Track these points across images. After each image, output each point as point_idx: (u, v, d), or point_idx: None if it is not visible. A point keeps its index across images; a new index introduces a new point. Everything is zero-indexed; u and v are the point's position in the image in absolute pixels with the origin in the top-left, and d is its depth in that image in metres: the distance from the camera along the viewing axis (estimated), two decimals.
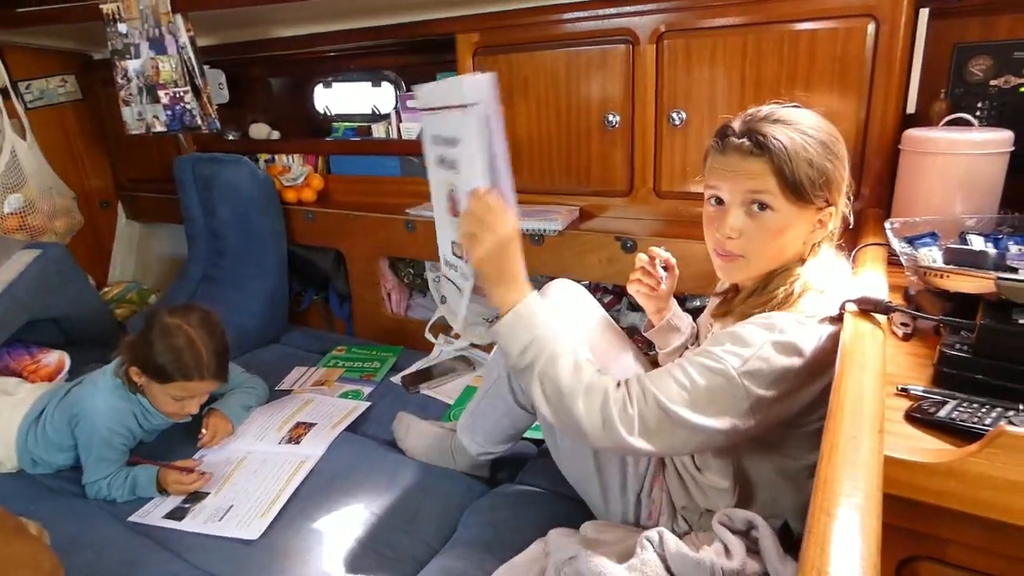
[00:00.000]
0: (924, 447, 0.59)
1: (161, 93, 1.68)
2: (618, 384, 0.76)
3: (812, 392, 0.75)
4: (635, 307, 1.68)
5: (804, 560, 0.44)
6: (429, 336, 1.76)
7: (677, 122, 1.31)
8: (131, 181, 2.23)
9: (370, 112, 1.99)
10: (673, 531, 0.88)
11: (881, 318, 0.74)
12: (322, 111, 2.08)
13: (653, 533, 0.80)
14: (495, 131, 0.78)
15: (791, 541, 0.78)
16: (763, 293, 0.82)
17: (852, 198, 0.85)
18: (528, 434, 1.21)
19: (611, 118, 1.38)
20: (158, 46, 1.63)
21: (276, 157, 1.95)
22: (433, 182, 0.92)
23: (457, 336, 1.69)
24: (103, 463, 1.20)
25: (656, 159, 1.37)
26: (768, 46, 1.19)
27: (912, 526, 0.61)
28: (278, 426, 1.37)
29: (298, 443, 1.30)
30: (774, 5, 1.17)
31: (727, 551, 0.76)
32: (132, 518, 1.14)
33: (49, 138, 1.97)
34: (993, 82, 1.10)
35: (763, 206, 0.79)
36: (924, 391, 0.66)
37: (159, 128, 1.72)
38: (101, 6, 1.62)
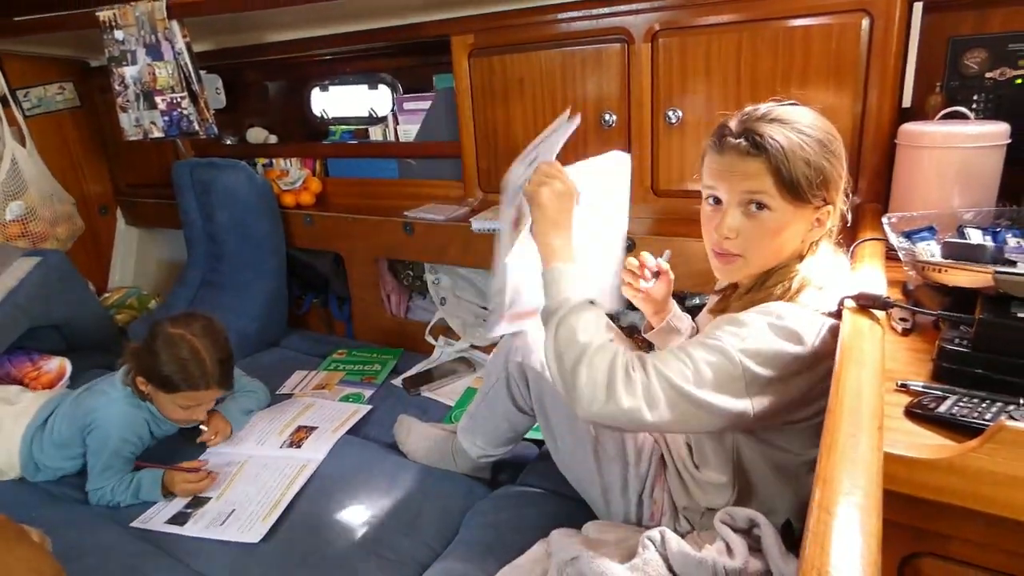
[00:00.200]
0: (924, 443, 0.59)
1: (158, 99, 1.68)
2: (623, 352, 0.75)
3: (809, 380, 0.75)
4: (634, 306, 1.68)
5: (804, 559, 0.44)
6: (429, 338, 1.76)
7: (673, 120, 1.31)
8: (130, 187, 2.23)
9: (367, 115, 1.99)
10: (675, 531, 0.88)
11: (880, 314, 0.74)
12: (319, 114, 2.09)
13: (655, 533, 0.80)
14: None
15: (793, 539, 0.78)
16: (761, 289, 0.82)
17: (850, 195, 0.85)
18: (529, 435, 1.21)
19: (607, 117, 1.38)
20: (155, 52, 1.63)
21: (274, 161, 1.95)
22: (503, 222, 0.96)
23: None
24: (109, 471, 1.21)
25: (653, 158, 1.37)
26: (763, 43, 1.18)
27: (914, 522, 0.61)
28: (279, 430, 1.37)
29: (299, 447, 1.30)
30: (768, 2, 1.17)
31: (729, 550, 0.75)
32: (134, 524, 1.14)
33: (48, 145, 1.97)
34: (988, 75, 1.10)
35: (760, 206, 0.79)
36: (924, 386, 0.66)
37: (157, 134, 1.72)
38: (98, 14, 1.63)
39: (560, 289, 0.79)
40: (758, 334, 0.73)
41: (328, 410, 1.44)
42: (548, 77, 1.42)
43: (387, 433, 1.34)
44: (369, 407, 1.46)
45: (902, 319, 0.79)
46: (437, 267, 1.79)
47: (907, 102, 1.17)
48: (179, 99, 1.66)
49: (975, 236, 0.86)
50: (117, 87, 1.70)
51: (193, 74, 1.62)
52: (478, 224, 1.47)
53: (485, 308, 1.80)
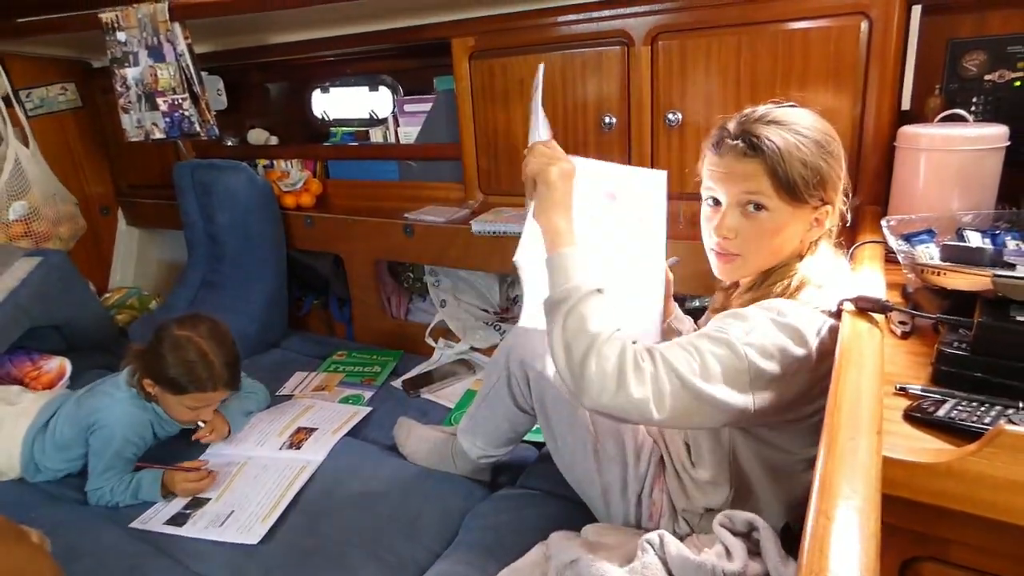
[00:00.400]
0: (923, 447, 0.59)
1: (160, 100, 1.68)
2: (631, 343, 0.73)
3: (810, 378, 0.75)
4: None
5: (803, 564, 0.44)
6: (429, 340, 1.76)
7: (673, 123, 1.31)
8: (131, 187, 2.24)
9: (368, 117, 1.99)
10: (674, 533, 0.88)
11: (879, 317, 0.74)
12: (320, 116, 2.09)
13: (654, 536, 0.80)
14: None
15: (792, 542, 0.78)
16: (761, 288, 0.83)
17: (849, 196, 0.85)
18: (528, 437, 1.21)
19: (607, 120, 1.38)
20: (156, 54, 1.63)
21: (274, 162, 1.95)
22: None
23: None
24: (110, 472, 1.21)
25: (653, 160, 1.37)
26: (762, 46, 1.19)
27: (914, 527, 0.61)
28: (279, 431, 1.37)
29: (299, 448, 1.30)
30: (767, 5, 1.17)
31: (728, 553, 0.75)
32: (133, 524, 1.14)
33: (50, 145, 1.97)
34: (987, 77, 1.10)
35: (758, 206, 0.79)
36: (923, 390, 0.66)
37: (158, 135, 1.72)
38: (100, 15, 1.63)
39: (569, 276, 0.75)
40: (762, 329, 0.73)
41: (328, 412, 1.44)
42: (548, 79, 1.42)
43: (387, 435, 1.34)
44: (369, 409, 1.46)
45: (901, 322, 0.78)
46: (437, 269, 1.79)
47: (906, 104, 1.17)
48: (180, 100, 1.66)
49: (974, 239, 0.86)
50: (119, 88, 1.71)
51: (195, 75, 1.63)
52: (478, 226, 1.47)
53: (485, 311, 1.80)
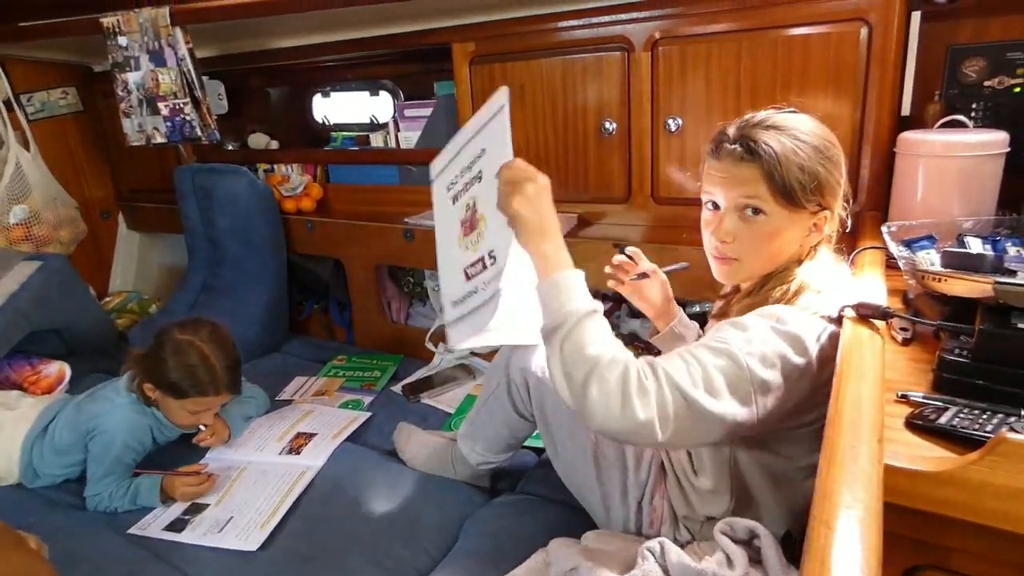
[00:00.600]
0: (925, 455, 0.58)
1: (161, 105, 1.69)
2: (649, 365, 0.71)
3: (812, 386, 0.75)
4: (635, 314, 1.68)
5: (804, 574, 0.43)
6: (429, 345, 1.76)
7: (673, 128, 1.31)
8: (131, 191, 2.24)
9: (368, 121, 1.99)
10: (675, 540, 0.87)
11: (880, 323, 0.74)
12: (320, 121, 2.09)
13: (654, 543, 0.80)
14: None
15: (794, 550, 0.78)
16: (760, 293, 0.83)
17: (850, 201, 0.85)
18: (528, 442, 1.20)
19: (608, 125, 1.38)
20: (158, 58, 1.64)
21: (275, 167, 1.95)
22: (442, 224, 0.91)
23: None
24: (109, 477, 1.21)
25: (653, 165, 1.37)
26: (762, 52, 1.19)
27: (916, 535, 0.60)
28: (278, 436, 1.36)
29: (298, 454, 1.30)
30: (767, 11, 1.17)
31: (729, 561, 0.75)
32: (132, 530, 1.14)
33: (51, 149, 1.98)
34: (987, 83, 1.10)
35: (756, 210, 0.80)
36: (924, 397, 0.65)
37: (159, 139, 1.73)
38: (102, 20, 1.63)
39: (561, 302, 0.73)
40: (762, 337, 0.73)
41: (327, 416, 1.44)
42: (549, 85, 1.43)
43: (386, 440, 1.33)
44: (368, 414, 1.46)
45: (902, 328, 0.78)
46: (437, 274, 1.79)
47: (906, 110, 1.17)
48: (182, 105, 1.67)
49: (975, 245, 0.86)
50: (120, 92, 1.71)
51: (196, 80, 1.63)
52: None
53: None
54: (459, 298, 0.88)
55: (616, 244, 1.37)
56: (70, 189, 1.99)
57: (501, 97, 0.83)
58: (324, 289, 2.04)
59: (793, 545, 0.78)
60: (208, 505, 1.18)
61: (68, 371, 1.62)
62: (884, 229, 0.90)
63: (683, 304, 1.43)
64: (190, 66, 1.62)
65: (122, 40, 1.65)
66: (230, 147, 2.02)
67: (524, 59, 1.44)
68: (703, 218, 0.87)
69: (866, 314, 0.74)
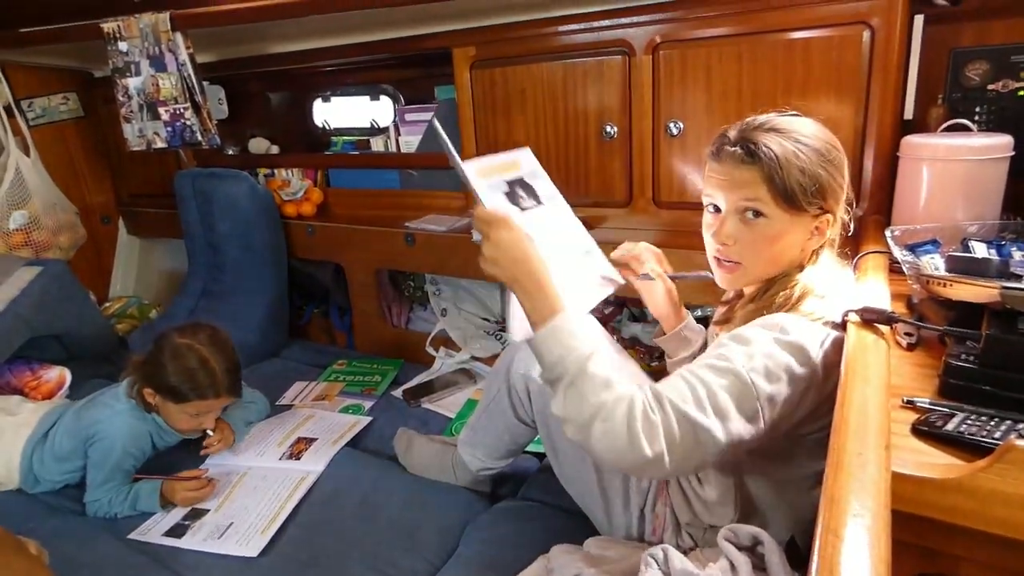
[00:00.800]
0: (932, 462, 0.58)
1: (161, 110, 1.69)
2: (653, 396, 0.70)
3: (818, 395, 0.74)
4: (636, 318, 1.67)
5: None
6: (430, 349, 1.75)
7: (675, 132, 1.31)
8: (132, 196, 2.24)
9: (369, 126, 1.99)
10: (677, 547, 0.86)
11: (884, 328, 0.73)
12: (321, 125, 2.09)
13: (657, 550, 0.79)
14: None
15: (799, 557, 0.77)
16: (763, 299, 0.82)
17: (853, 205, 0.85)
18: (530, 448, 1.20)
19: (609, 129, 1.38)
20: (158, 64, 1.64)
21: (275, 171, 1.95)
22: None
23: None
24: (109, 483, 1.20)
25: (654, 169, 1.37)
26: (763, 55, 1.19)
27: (923, 542, 0.60)
28: (279, 441, 1.36)
29: (299, 459, 1.29)
30: (768, 14, 1.17)
31: (733, 568, 0.74)
32: (132, 536, 1.14)
33: (51, 155, 1.98)
34: (991, 86, 1.10)
35: (756, 213, 0.79)
36: (931, 403, 0.65)
37: (160, 144, 1.73)
38: (102, 25, 1.64)
39: (557, 354, 0.70)
40: (765, 351, 0.72)
41: (328, 421, 1.43)
42: (549, 89, 1.42)
43: (387, 445, 1.33)
44: (369, 419, 1.45)
45: (907, 333, 0.78)
46: (438, 278, 1.79)
47: (908, 114, 1.17)
48: (182, 110, 1.67)
49: (979, 249, 0.85)
50: (121, 98, 1.71)
51: (196, 85, 1.63)
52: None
53: (486, 320, 1.79)
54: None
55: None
56: (70, 194, 1.99)
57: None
58: (324, 293, 2.03)
59: (797, 552, 0.77)
60: (208, 511, 1.18)
61: (68, 376, 1.62)
62: (888, 233, 0.89)
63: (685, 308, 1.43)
64: (190, 71, 1.62)
65: (123, 45, 1.65)
66: (230, 152, 2.02)
67: (525, 63, 1.44)
68: (704, 221, 0.87)
69: (870, 319, 0.74)
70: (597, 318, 1.09)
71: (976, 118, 1.10)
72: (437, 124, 0.78)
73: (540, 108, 1.45)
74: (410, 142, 1.77)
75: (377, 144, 1.87)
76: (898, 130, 1.13)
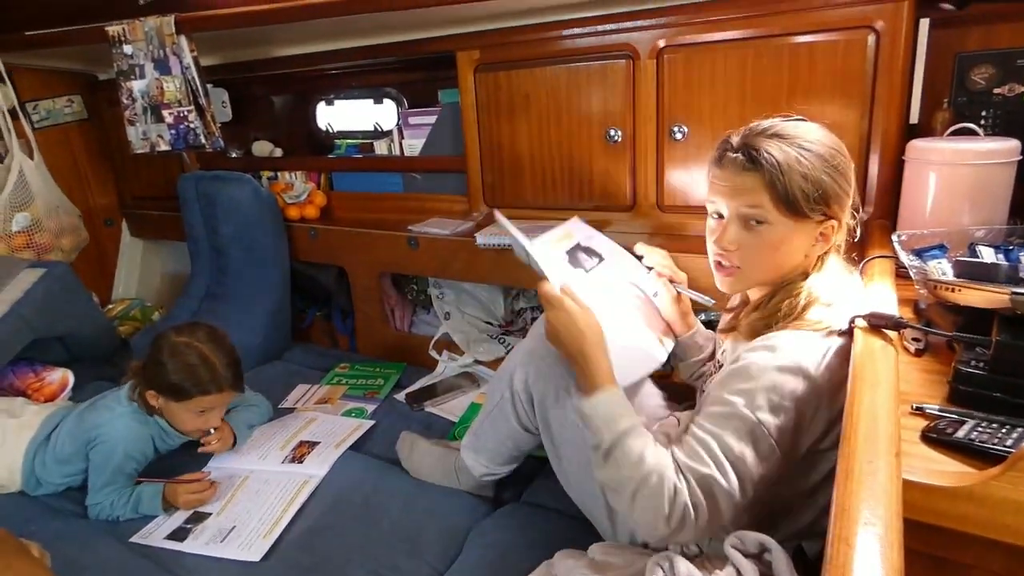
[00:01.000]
0: (943, 470, 0.57)
1: (165, 112, 1.69)
2: (675, 469, 0.75)
3: (828, 412, 0.74)
4: None
5: None
6: (433, 353, 1.75)
7: (679, 136, 1.31)
8: (135, 199, 2.24)
9: (372, 129, 1.99)
10: (682, 553, 0.86)
11: (892, 334, 0.73)
12: (324, 128, 2.09)
13: (663, 558, 0.78)
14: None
15: (806, 565, 0.76)
16: (767, 307, 0.82)
17: (859, 210, 0.85)
18: (533, 453, 1.19)
19: (613, 133, 1.38)
20: (163, 67, 1.64)
21: (279, 174, 1.95)
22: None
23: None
24: (110, 487, 1.20)
25: (658, 173, 1.37)
26: (768, 59, 1.18)
27: (933, 551, 0.59)
28: (281, 445, 1.35)
29: (301, 462, 1.29)
30: (773, 19, 1.17)
31: (739, 575, 0.74)
32: (133, 539, 1.13)
33: (55, 157, 1.98)
34: (996, 90, 1.10)
35: (759, 220, 0.79)
36: (940, 410, 0.64)
37: (163, 147, 1.73)
38: (107, 28, 1.64)
39: (593, 424, 0.80)
40: (766, 384, 0.73)
41: (330, 425, 1.43)
42: (553, 92, 1.42)
43: (390, 449, 1.32)
44: (372, 422, 1.45)
45: (914, 339, 0.77)
46: (441, 281, 1.78)
47: (914, 118, 1.16)
48: (186, 113, 1.67)
49: (987, 254, 0.85)
50: (125, 101, 1.71)
51: (200, 88, 1.64)
52: (483, 239, 1.46)
53: (489, 323, 1.79)
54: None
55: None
56: (74, 196, 1.99)
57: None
58: (327, 296, 2.03)
59: (805, 560, 0.77)
60: (210, 514, 1.17)
61: (71, 378, 1.61)
62: (894, 238, 0.89)
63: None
64: (195, 74, 1.62)
65: (127, 48, 1.65)
66: (234, 155, 2.03)
67: (529, 67, 1.44)
68: (708, 227, 0.87)
69: (878, 324, 0.73)
70: None
71: (982, 122, 1.10)
72: (500, 216, 0.91)
73: (544, 112, 1.45)
74: (413, 145, 1.76)
75: (380, 147, 1.87)
76: (903, 134, 1.13)
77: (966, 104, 1.11)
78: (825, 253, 0.83)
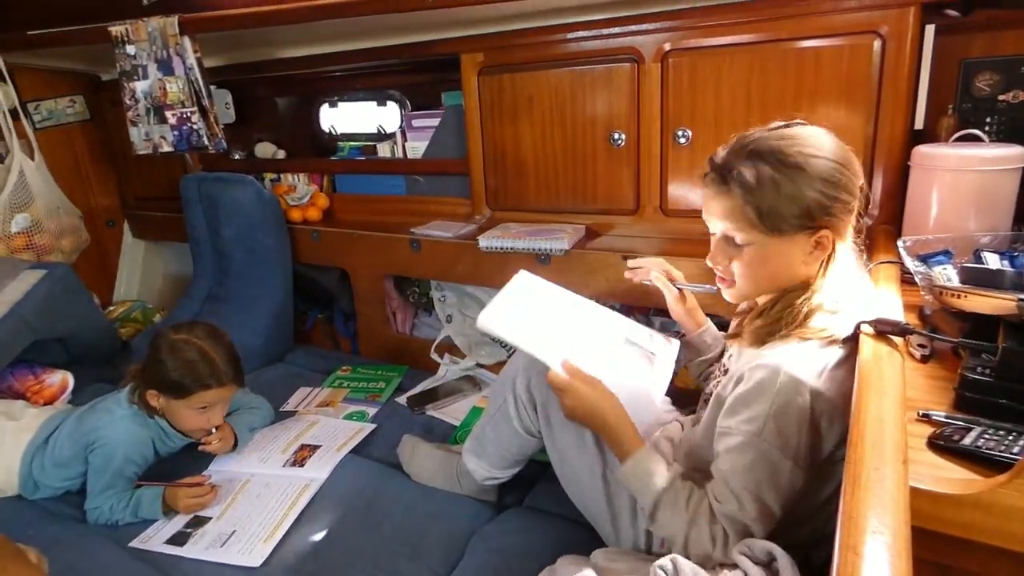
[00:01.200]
0: (950, 477, 0.57)
1: (168, 113, 1.69)
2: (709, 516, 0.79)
3: (841, 421, 0.74)
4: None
5: None
6: (435, 356, 1.74)
7: (683, 140, 1.31)
8: (137, 200, 2.24)
9: (375, 131, 1.99)
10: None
11: (898, 339, 0.72)
12: (327, 130, 2.09)
13: (667, 562, 0.78)
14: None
15: (812, 572, 0.76)
16: (769, 315, 0.82)
17: (863, 215, 0.84)
18: (536, 457, 1.18)
19: (617, 136, 1.37)
20: (166, 67, 1.64)
21: (282, 176, 1.95)
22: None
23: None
24: (110, 491, 1.19)
25: (662, 177, 1.37)
26: (773, 64, 1.18)
27: (939, 559, 0.59)
28: (282, 448, 1.35)
29: (302, 466, 1.28)
30: (779, 23, 1.17)
31: None
32: (133, 544, 1.12)
33: (57, 158, 1.98)
34: (1001, 97, 1.10)
35: (740, 240, 0.80)
36: (946, 417, 0.64)
37: (166, 148, 1.73)
38: (110, 28, 1.64)
39: (633, 487, 0.86)
40: (775, 409, 0.74)
41: (332, 428, 1.42)
42: (557, 95, 1.42)
43: (391, 452, 1.32)
44: (373, 425, 1.44)
45: (920, 345, 0.77)
46: (443, 284, 1.78)
47: (919, 124, 1.16)
48: (189, 114, 1.67)
49: (992, 261, 0.85)
50: (128, 101, 1.71)
51: (203, 89, 1.63)
52: (486, 242, 1.46)
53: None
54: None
55: (625, 256, 1.36)
56: (75, 197, 1.99)
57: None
58: (329, 299, 2.03)
59: (812, 568, 0.76)
60: (211, 518, 1.16)
61: (71, 381, 1.61)
62: (900, 244, 0.88)
63: None
64: (198, 75, 1.62)
65: (130, 49, 1.65)
66: (237, 156, 2.02)
67: (533, 70, 1.44)
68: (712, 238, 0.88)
69: (884, 330, 0.73)
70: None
71: (986, 128, 1.10)
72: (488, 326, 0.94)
73: (548, 115, 1.45)
74: (416, 148, 1.76)
75: (383, 150, 1.87)
76: (908, 140, 1.13)
77: (971, 110, 1.11)
78: (828, 259, 0.81)
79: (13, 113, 1.84)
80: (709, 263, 0.86)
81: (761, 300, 0.87)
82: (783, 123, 0.81)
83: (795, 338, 0.78)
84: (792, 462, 0.74)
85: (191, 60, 1.61)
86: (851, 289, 0.82)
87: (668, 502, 0.82)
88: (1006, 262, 0.84)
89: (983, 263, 0.84)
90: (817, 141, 0.78)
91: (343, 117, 2.03)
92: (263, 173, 1.96)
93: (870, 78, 1.12)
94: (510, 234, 1.46)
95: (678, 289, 1.06)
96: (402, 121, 1.82)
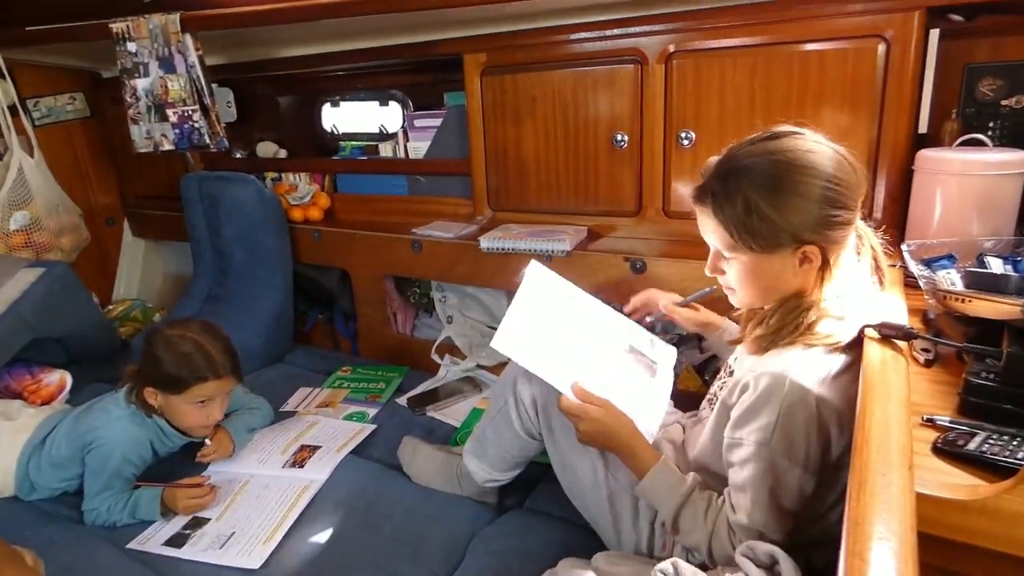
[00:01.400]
0: (955, 482, 0.57)
1: (170, 111, 1.68)
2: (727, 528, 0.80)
3: (849, 424, 0.74)
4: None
5: None
6: (435, 356, 1.74)
7: (686, 142, 1.30)
8: (137, 198, 2.23)
9: (377, 131, 1.99)
10: (688, 561, 0.85)
11: (902, 344, 0.72)
12: (329, 130, 2.09)
13: (668, 565, 0.77)
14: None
15: (812, 574, 0.76)
16: (768, 324, 0.82)
17: (865, 220, 0.84)
18: (537, 459, 1.18)
19: (619, 137, 1.37)
20: (167, 65, 1.63)
21: (283, 175, 1.95)
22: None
23: None
24: (107, 492, 1.18)
25: (665, 179, 1.37)
26: (777, 67, 1.18)
27: (945, 564, 0.58)
28: (282, 449, 1.34)
29: (302, 467, 1.28)
30: (783, 26, 1.17)
31: None
32: (131, 545, 1.11)
33: (57, 155, 1.97)
34: (1004, 102, 1.10)
35: (725, 256, 0.82)
36: (951, 421, 0.64)
37: (167, 146, 1.72)
38: (111, 25, 1.63)
39: (654, 502, 0.87)
40: (781, 418, 0.74)
41: (332, 429, 1.42)
42: (560, 96, 1.42)
43: (391, 454, 1.31)
44: (373, 426, 1.44)
45: (924, 350, 0.77)
46: (444, 285, 1.78)
47: (923, 128, 1.16)
48: (190, 112, 1.66)
49: (995, 265, 0.85)
50: (129, 99, 1.71)
51: (205, 87, 1.63)
52: (487, 243, 1.46)
53: (492, 327, 1.78)
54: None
55: (626, 258, 1.36)
56: (75, 195, 1.98)
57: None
58: (329, 299, 2.02)
59: (812, 571, 0.76)
60: (209, 520, 1.16)
61: (69, 380, 1.60)
62: (904, 248, 0.88)
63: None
64: (199, 73, 1.62)
65: (131, 46, 1.65)
66: (238, 155, 2.02)
67: (536, 70, 1.43)
68: None
69: (888, 334, 0.73)
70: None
71: (990, 133, 1.10)
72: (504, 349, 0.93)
73: (550, 116, 1.45)
74: (418, 148, 1.76)
75: (385, 150, 1.87)
76: (912, 144, 1.13)
77: (974, 115, 1.11)
78: (824, 269, 0.79)
79: (12, 110, 1.83)
80: (708, 273, 0.87)
81: (766, 306, 0.87)
82: (769, 134, 0.78)
83: (799, 344, 0.78)
84: (801, 469, 0.74)
85: (193, 58, 1.61)
86: (853, 295, 0.81)
87: (688, 515, 0.83)
88: (1010, 267, 0.84)
89: (987, 267, 0.84)
90: (804, 158, 0.74)
91: (345, 117, 2.03)
92: (264, 172, 1.96)
93: (874, 82, 1.12)
94: (511, 235, 1.46)
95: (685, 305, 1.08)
96: (404, 121, 1.82)
